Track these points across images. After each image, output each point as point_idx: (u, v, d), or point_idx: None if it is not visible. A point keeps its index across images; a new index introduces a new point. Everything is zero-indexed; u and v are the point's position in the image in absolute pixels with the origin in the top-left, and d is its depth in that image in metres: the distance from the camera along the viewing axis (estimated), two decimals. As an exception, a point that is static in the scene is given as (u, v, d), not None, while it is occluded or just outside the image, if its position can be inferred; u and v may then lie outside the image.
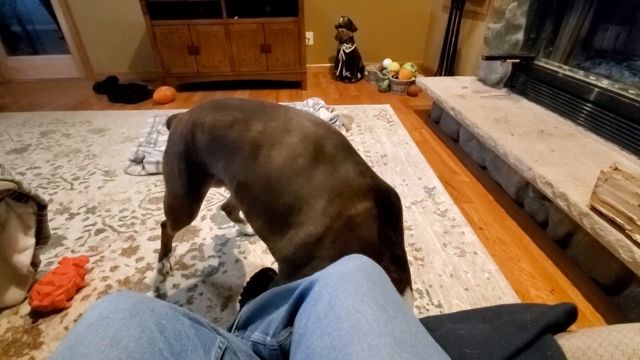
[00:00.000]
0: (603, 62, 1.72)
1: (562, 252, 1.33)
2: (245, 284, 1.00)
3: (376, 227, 0.62)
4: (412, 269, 1.23)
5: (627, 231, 0.95)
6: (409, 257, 1.28)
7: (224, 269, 1.20)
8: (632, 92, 1.45)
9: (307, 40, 3.65)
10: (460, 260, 1.27)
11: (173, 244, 1.30)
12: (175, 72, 3.06)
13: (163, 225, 1.13)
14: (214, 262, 1.23)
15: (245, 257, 1.26)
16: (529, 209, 1.54)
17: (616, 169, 0.97)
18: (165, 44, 2.92)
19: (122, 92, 2.99)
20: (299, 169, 0.66)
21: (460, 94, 2.22)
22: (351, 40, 3.33)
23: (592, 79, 1.66)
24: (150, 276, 1.18)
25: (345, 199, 0.63)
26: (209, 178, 0.87)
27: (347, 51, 3.36)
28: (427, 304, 1.10)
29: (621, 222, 0.97)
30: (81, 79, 3.70)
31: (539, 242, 1.38)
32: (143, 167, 1.81)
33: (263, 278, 1.01)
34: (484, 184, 1.78)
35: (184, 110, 0.94)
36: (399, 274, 0.63)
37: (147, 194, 1.64)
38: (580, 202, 1.13)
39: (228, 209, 1.32)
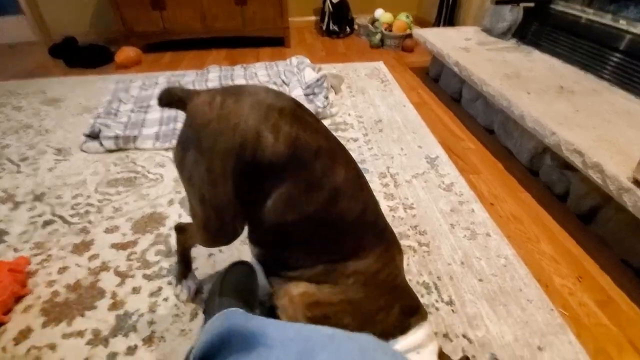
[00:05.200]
0: (635, 3, 1.45)
1: (586, 229, 1.16)
2: (214, 284, 0.81)
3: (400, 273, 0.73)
4: (416, 258, 1.05)
5: (687, 212, 0.77)
6: (412, 243, 1.10)
7: (195, 266, 1.01)
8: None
9: (289, -10, 3.22)
10: (472, 244, 1.09)
11: (139, 238, 1.09)
12: (139, 31, 2.68)
13: (179, 229, 0.88)
14: (182, 258, 1.02)
15: (220, 250, 1.06)
16: (545, 179, 1.35)
17: (677, 133, 0.77)
18: (124, -3, 2.52)
19: (81, 55, 2.63)
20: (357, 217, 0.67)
21: (464, 46, 1.95)
22: (339, -12, 2.94)
23: (622, 24, 1.41)
24: (106, 279, 0.98)
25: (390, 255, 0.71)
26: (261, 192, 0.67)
27: (334, 1, 2.98)
28: (436, 301, 0.93)
29: (679, 200, 0.78)
30: (36, 42, 3.26)
31: (559, 218, 1.21)
32: (101, 144, 1.56)
33: (239, 273, 0.82)
34: (492, 150, 1.57)
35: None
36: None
37: (105, 175, 1.40)
38: (620, 174, 0.94)
39: None
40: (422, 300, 0.92)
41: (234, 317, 0.55)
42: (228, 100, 0.64)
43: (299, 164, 0.64)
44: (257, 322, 0.47)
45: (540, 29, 1.84)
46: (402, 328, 0.67)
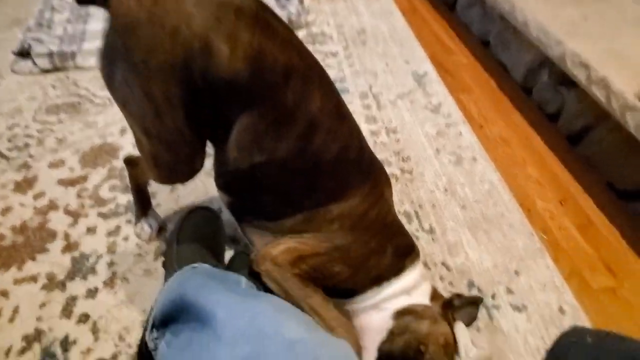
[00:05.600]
0: None
1: (574, 151, 1.11)
2: (174, 228, 0.73)
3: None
4: (398, 186, 0.98)
5: (695, 132, 0.70)
6: (395, 170, 1.02)
7: (156, 201, 0.91)
8: None
9: None
10: (456, 170, 1.03)
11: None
12: None
13: (129, 162, 0.76)
14: (142, 193, 0.92)
15: (183, 184, 0.96)
16: (538, 98, 1.25)
17: None
18: None
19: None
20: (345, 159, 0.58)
21: (464, -63, 1.64)
22: None
23: None
24: (55, 219, 0.88)
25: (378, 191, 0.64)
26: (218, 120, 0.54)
27: None
28: (417, 230, 0.89)
29: (689, 119, 0.70)
30: None
31: (548, 140, 1.14)
32: (34, 63, 1.31)
33: (199, 220, 0.73)
34: (486, 66, 1.43)
35: None
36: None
37: (44, 100, 1.20)
38: (626, 91, 0.84)
39: None
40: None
41: (188, 283, 0.49)
42: None
43: (264, 88, 0.50)
44: (208, 298, 0.42)
45: None
46: (396, 270, 0.62)
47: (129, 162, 0.77)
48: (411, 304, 0.61)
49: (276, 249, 0.57)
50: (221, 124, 0.55)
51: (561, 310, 0.76)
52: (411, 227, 0.89)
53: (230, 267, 0.72)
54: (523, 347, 0.71)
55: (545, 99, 1.21)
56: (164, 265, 0.68)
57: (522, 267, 0.83)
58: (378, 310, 0.62)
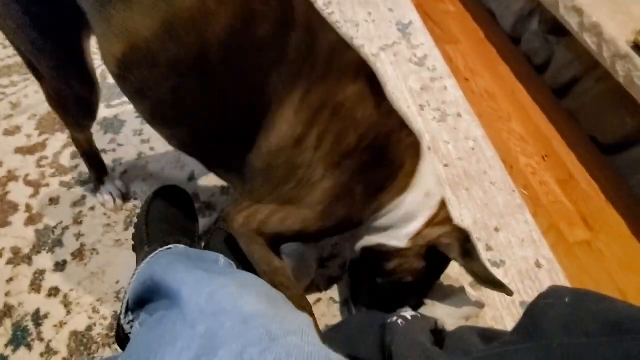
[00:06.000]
0: None
1: (560, 104, 1.08)
2: (142, 210, 0.68)
3: (372, 104, 0.49)
4: (379, 145, 0.95)
5: (685, 81, 0.67)
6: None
7: (123, 168, 0.86)
8: None
9: None
10: (441, 127, 0.99)
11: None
12: None
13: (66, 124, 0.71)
14: (106, 159, 0.85)
15: (151, 149, 0.90)
16: (526, 48, 1.19)
17: None
18: None
19: None
20: (261, 40, 0.43)
21: None
22: None
23: None
24: (15, 190, 0.82)
25: (328, 83, 0.47)
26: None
27: None
28: (398, 190, 0.87)
29: (680, 67, 0.67)
30: None
31: (534, 93, 1.10)
32: (-28, 15, 1.16)
33: (167, 199, 0.69)
34: (474, 14, 1.34)
35: None
36: (413, 136, 0.54)
37: (-10, 59, 1.08)
38: (619, 38, 0.79)
39: None
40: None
41: (157, 264, 0.47)
42: None
43: None
44: (174, 277, 0.39)
45: None
46: (370, 211, 0.53)
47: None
48: (380, 244, 0.56)
49: (241, 214, 0.52)
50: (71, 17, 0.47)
51: (538, 264, 0.77)
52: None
53: (208, 245, 0.68)
54: (499, 301, 0.72)
55: (534, 49, 1.16)
56: (134, 248, 0.64)
57: (502, 223, 0.83)
58: (356, 240, 0.59)
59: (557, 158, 0.96)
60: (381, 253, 0.57)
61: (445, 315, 0.59)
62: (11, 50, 1.12)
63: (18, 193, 0.82)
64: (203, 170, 0.87)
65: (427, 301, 0.63)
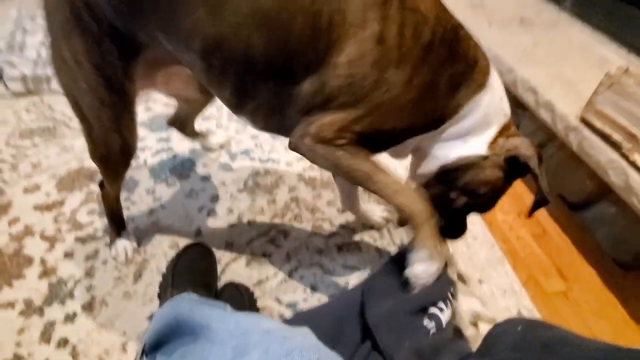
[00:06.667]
0: None
1: (530, 165, 1.21)
2: (171, 261, 0.75)
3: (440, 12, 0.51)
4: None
5: (624, 150, 0.80)
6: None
7: (135, 224, 0.93)
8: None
9: None
10: (425, 186, 1.10)
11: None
12: None
13: (101, 184, 0.80)
14: (121, 216, 0.93)
15: (162, 207, 0.98)
16: (497, 117, 1.35)
17: (627, 71, 0.76)
18: None
19: (-35, -32, 2.08)
20: None
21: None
22: None
23: (588, -54, 1.33)
24: (31, 244, 0.88)
25: None
26: (137, 56, 0.58)
27: None
28: (388, 244, 0.95)
29: (618, 139, 0.81)
30: None
31: (507, 156, 1.24)
32: (6, 86, 1.30)
33: (194, 255, 0.76)
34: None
35: None
36: (474, 38, 0.55)
37: (17, 124, 1.20)
38: (569, 113, 0.94)
39: (180, 121, 0.99)
40: (375, 244, 0.93)
41: (181, 305, 0.52)
42: None
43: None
44: (201, 314, 0.45)
45: (506, -51, 1.70)
46: (451, 109, 0.54)
47: (102, 183, 0.80)
48: (463, 156, 0.57)
49: (313, 125, 0.52)
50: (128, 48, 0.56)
51: (519, 314, 0.82)
52: (383, 242, 0.95)
53: (219, 297, 0.73)
54: (486, 351, 0.76)
55: (504, 118, 1.32)
56: (159, 296, 0.71)
57: (484, 275, 0.90)
58: (432, 159, 0.59)
59: (530, 214, 1.06)
60: (460, 167, 0.57)
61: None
62: (34, 115, 1.24)
63: (34, 247, 0.88)
64: (209, 225, 0.95)
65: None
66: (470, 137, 0.57)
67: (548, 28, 1.33)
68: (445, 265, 0.59)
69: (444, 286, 0.57)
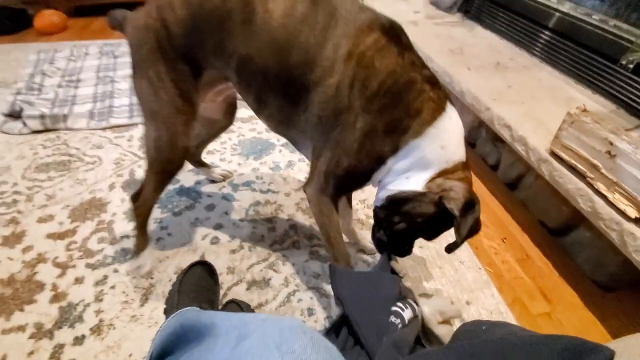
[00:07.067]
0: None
1: (512, 194, 1.30)
2: (174, 285, 0.80)
3: (394, 53, 0.61)
4: (364, 230, 1.11)
5: (588, 179, 0.89)
6: (361, 215, 1.16)
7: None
8: (595, 17, 1.33)
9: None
10: (414, 214, 1.18)
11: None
12: (62, -9, 2.36)
13: (134, 197, 0.88)
14: (128, 244, 0.99)
15: (169, 234, 1.04)
16: (481, 151, 1.46)
17: (585, 110, 0.87)
18: (38, -51, 2.19)
19: (-9, 19, 2.27)
20: (301, 16, 0.63)
21: (413, 19, 1.98)
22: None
23: (553, 2, 1.51)
24: (44, 271, 0.93)
25: (351, 37, 0.61)
26: (201, 75, 0.74)
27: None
28: (381, 268, 1.00)
29: (583, 169, 0.90)
30: None
31: (490, 186, 1.33)
32: (24, 124, 1.40)
33: (198, 273, 0.81)
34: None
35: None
36: (438, 93, 0.64)
37: (34, 159, 1.28)
38: (540, 147, 1.05)
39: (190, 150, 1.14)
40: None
41: (187, 314, 0.56)
42: (149, 6, 0.70)
43: (200, 10, 0.66)
44: (207, 315, 0.48)
45: (482, 3, 1.91)
46: (390, 150, 0.65)
47: (134, 196, 0.88)
48: (404, 190, 0.66)
49: (309, 185, 0.74)
50: (194, 72, 0.73)
51: (506, 335, 0.87)
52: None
53: None
54: None
55: (486, 152, 1.43)
56: (165, 311, 0.75)
57: (472, 297, 0.95)
58: (384, 188, 0.71)
59: (514, 240, 1.13)
60: (402, 199, 0.67)
61: (424, 304, 0.71)
62: (50, 150, 1.33)
63: (46, 273, 0.92)
64: (212, 252, 1.00)
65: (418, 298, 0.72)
66: (412, 174, 0.66)
67: (520, 71, 1.48)
68: (401, 278, 0.71)
69: (404, 291, 0.67)
